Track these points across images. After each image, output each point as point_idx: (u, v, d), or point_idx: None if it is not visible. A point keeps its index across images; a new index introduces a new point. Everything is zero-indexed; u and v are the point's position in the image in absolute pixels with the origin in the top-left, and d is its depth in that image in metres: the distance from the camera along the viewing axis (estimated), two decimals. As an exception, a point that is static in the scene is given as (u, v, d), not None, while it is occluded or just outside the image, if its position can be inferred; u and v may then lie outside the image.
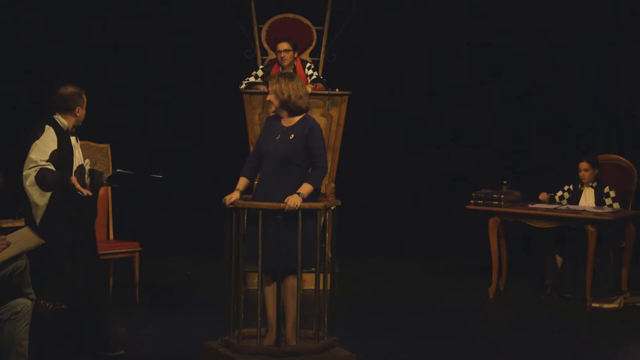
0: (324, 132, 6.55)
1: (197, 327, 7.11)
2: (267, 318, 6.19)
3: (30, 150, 6.14)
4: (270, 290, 6.18)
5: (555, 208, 8.19)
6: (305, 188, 6.05)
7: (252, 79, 8.59)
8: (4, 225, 7.05)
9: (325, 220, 6.17)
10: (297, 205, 5.96)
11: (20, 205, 7.43)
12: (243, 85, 8.57)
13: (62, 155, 6.15)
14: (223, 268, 6.23)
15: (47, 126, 6.19)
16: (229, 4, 8.98)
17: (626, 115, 9.95)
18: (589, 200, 8.35)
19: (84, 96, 6.33)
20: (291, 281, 6.14)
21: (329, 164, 7.56)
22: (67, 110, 6.25)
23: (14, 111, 9.71)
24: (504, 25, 10.05)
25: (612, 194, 8.33)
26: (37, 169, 6.07)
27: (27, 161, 6.13)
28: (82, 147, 8.07)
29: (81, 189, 6.08)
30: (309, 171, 6.16)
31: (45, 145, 6.12)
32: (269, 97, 6.21)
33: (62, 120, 6.25)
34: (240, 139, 8.64)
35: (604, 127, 9.98)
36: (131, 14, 9.84)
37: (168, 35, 9.89)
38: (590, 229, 7.88)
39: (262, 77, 8.58)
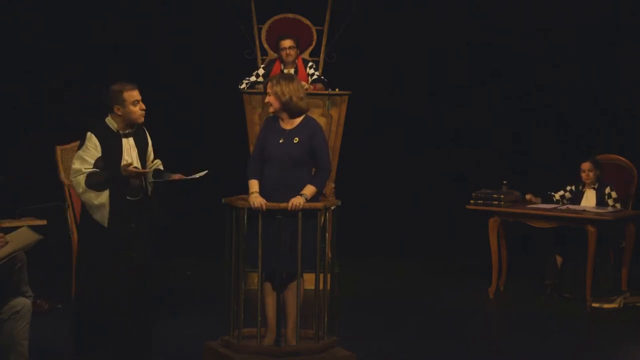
0: (324, 132, 6.56)
1: (197, 327, 7.11)
2: (266, 318, 6.19)
3: (74, 160, 5.95)
4: (270, 290, 6.19)
5: (555, 208, 8.19)
6: (309, 189, 6.06)
7: (253, 79, 8.59)
8: (4, 225, 7.05)
9: (325, 220, 6.17)
10: (300, 204, 5.97)
11: (20, 205, 7.47)
12: (243, 85, 8.57)
13: (108, 161, 5.92)
14: (223, 268, 6.23)
15: (88, 133, 5.95)
16: (229, 4, 8.97)
17: (626, 115, 9.95)
18: (591, 202, 8.35)
19: (127, 94, 5.95)
20: (291, 281, 6.15)
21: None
22: (109, 110, 5.99)
23: (14, 111, 9.72)
24: (503, 25, 10.05)
25: (614, 194, 8.32)
26: (85, 175, 5.88)
27: (72, 172, 5.95)
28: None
29: (135, 170, 5.88)
30: (312, 172, 6.17)
31: (88, 155, 5.91)
32: (268, 99, 6.18)
33: (112, 122, 6.00)
34: (240, 139, 8.64)
35: (604, 127, 9.98)
36: (131, 14, 9.83)
37: (168, 35, 9.89)
38: (590, 229, 7.88)
39: (263, 75, 8.58)
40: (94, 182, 5.88)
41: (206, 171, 6.10)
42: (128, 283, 5.97)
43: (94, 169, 5.90)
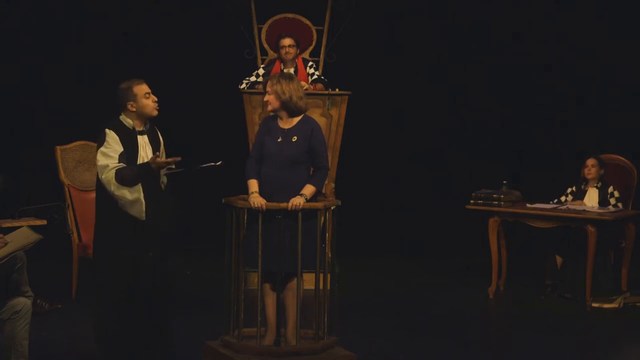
0: (324, 132, 6.57)
1: (197, 327, 7.11)
2: (266, 318, 6.19)
3: (97, 158, 5.88)
4: (270, 290, 6.19)
5: (555, 208, 8.19)
6: (308, 189, 6.07)
7: (253, 78, 8.59)
8: (4, 225, 7.06)
9: (325, 220, 6.17)
10: (300, 204, 5.97)
11: (20, 205, 7.47)
12: (243, 85, 8.57)
13: (128, 157, 5.88)
14: (223, 268, 6.23)
15: (106, 130, 5.89)
16: (229, 3, 8.98)
17: (626, 115, 9.94)
18: (593, 200, 8.35)
19: (137, 88, 5.92)
20: (291, 281, 6.15)
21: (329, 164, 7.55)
22: (122, 108, 5.95)
23: (14, 111, 9.72)
24: (502, 25, 10.06)
25: (616, 194, 8.32)
26: (114, 171, 5.82)
27: (98, 169, 5.88)
28: (82, 147, 8.13)
29: (164, 160, 5.86)
30: (311, 171, 6.18)
31: (112, 150, 5.85)
32: (267, 98, 6.18)
33: (127, 119, 5.96)
34: (240, 139, 8.64)
35: (603, 127, 9.98)
36: (132, 13, 9.84)
37: (168, 36, 9.89)
38: (590, 229, 7.88)
39: (263, 75, 8.58)
40: (124, 177, 5.83)
41: (220, 162, 6.09)
42: (151, 279, 5.98)
43: (121, 164, 5.86)
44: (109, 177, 5.83)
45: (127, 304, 5.93)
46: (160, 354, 6.07)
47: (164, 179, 6.05)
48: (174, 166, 6.17)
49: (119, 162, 5.85)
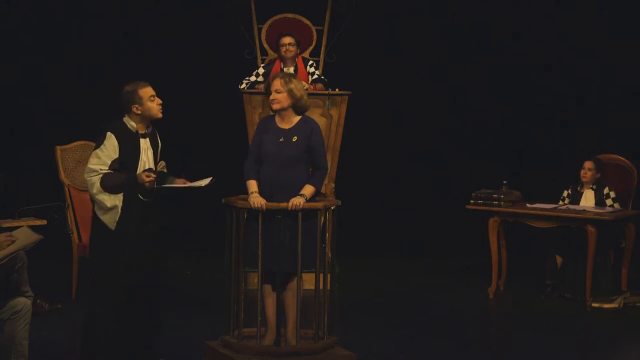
0: (324, 132, 6.57)
1: (197, 327, 7.11)
2: (266, 318, 6.19)
3: (90, 159, 5.88)
4: (270, 291, 6.19)
5: (555, 208, 8.19)
6: (308, 189, 6.07)
7: (253, 78, 8.59)
8: (4, 225, 7.05)
9: (325, 220, 6.17)
10: (300, 204, 5.97)
11: (20, 205, 7.47)
12: (243, 85, 8.57)
13: (124, 162, 5.87)
14: (223, 268, 6.23)
15: (108, 133, 5.88)
16: (229, 3, 8.98)
17: (626, 115, 9.94)
18: (589, 202, 8.35)
19: (142, 91, 5.92)
20: (291, 281, 6.15)
21: (329, 164, 7.56)
22: (126, 110, 5.93)
23: (14, 111, 9.72)
24: (502, 25, 10.06)
25: (612, 194, 8.33)
26: (100, 176, 5.83)
27: (87, 170, 5.88)
28: (82, 147, 8.13)
29: (150, 180, 5.85)
30: (310, 171, 6.18)
31: (106, 155, 5.84)
32: (277, 97, 6.11)
33: (130, 122, 5.95)
34: (240, 139, 8.64)
35: (603, 127, 9.98)
36: (132, 13, 9.84)
37: (168, 36, 9.89)
38: (590, 229, 7.88)
39: (263, 75, 8.58)
40: (109, 184, 5.84)
41: (211, 178, 6.07)
42: (139, 284, 5.96)
43: (110, 171, 5.87)
44: (93, 180, 5.85)
45: (123, 305, 5.92)
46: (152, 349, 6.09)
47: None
48: (166, 170, 6.17)
49: (109, 169, 5.86)
